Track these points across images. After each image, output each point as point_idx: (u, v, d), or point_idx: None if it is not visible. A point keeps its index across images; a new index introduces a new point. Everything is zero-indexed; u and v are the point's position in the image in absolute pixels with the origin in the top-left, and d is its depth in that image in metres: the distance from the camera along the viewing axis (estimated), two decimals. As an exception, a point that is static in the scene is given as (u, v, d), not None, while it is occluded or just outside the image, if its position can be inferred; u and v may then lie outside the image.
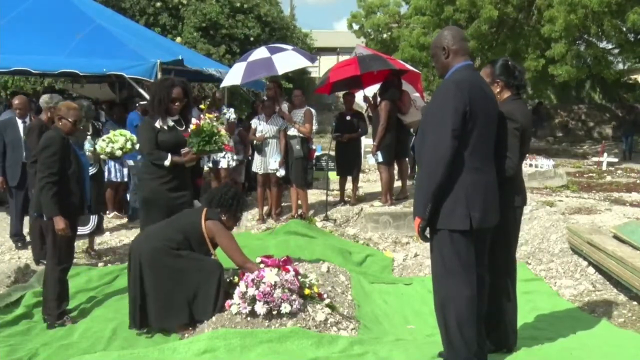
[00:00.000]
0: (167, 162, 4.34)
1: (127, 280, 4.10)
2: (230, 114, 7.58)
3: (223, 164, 7.45)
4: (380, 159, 7.54)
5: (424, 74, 15.02)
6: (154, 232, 4.10)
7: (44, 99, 5.75)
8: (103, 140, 5.52)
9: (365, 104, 8.13)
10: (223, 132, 4.66)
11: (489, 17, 14.26)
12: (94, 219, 5.87)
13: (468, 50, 3.10)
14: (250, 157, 8.09)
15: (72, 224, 4.16)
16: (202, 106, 7.38)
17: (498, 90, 3.33)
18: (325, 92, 8.74)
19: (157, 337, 3.92)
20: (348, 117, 7.89)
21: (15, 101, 6.44)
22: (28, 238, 6.04)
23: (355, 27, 20.10)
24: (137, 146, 6.58)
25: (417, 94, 8.19)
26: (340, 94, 8.22)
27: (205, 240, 4.05)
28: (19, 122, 6.20)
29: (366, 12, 19.51)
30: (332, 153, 8.08)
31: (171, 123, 4.48)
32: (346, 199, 8.23)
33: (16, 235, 6.22)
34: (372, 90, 8.21)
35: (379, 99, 7.66)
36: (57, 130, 4.24)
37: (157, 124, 4.42)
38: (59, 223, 4.05)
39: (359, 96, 8.43)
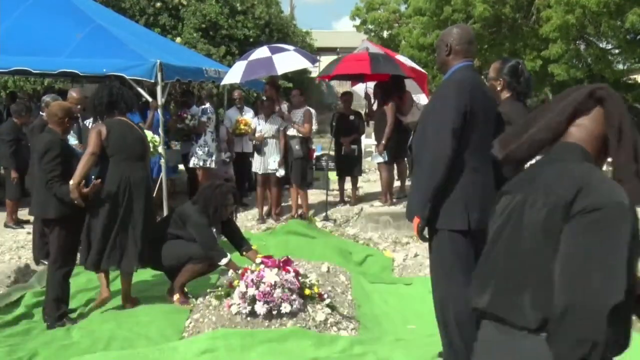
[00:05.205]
0: (223, 262, 4.40)
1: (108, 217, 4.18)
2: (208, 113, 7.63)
3: (209, 164, 7.57)
4: (386, 158, 7.56)
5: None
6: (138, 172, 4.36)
7: (50, 101, 5.43)
8: None
9: (365, 102, 8.16)
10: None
11: (481, 15, 14.24)
12: None
13: (471, 54, 3.06)
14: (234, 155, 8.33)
15: (76, 227, 4.12)
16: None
17: (499, 88, 3.35)
18: (325, 77, 9.17)
19: (157, 337, 3.92)
20: (351, 117, 7.91)
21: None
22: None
23: (357, 21, 20.07)
24: (160, 149, 6.67)
25: (423, 95, 8.23)
26: (339, 93, 8.25)
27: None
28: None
29: (367, 8, 19.50)
30: (332, 153, 8.08)
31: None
32: (346, 199, 8.23)
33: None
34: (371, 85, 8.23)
35: (373, 99, 7.73)
36: (52, 132, 4.15)
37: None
38: (74, 192, 3.94)
39: (358, 89, 8.46)
